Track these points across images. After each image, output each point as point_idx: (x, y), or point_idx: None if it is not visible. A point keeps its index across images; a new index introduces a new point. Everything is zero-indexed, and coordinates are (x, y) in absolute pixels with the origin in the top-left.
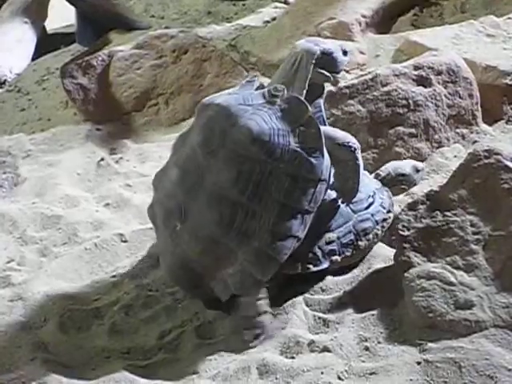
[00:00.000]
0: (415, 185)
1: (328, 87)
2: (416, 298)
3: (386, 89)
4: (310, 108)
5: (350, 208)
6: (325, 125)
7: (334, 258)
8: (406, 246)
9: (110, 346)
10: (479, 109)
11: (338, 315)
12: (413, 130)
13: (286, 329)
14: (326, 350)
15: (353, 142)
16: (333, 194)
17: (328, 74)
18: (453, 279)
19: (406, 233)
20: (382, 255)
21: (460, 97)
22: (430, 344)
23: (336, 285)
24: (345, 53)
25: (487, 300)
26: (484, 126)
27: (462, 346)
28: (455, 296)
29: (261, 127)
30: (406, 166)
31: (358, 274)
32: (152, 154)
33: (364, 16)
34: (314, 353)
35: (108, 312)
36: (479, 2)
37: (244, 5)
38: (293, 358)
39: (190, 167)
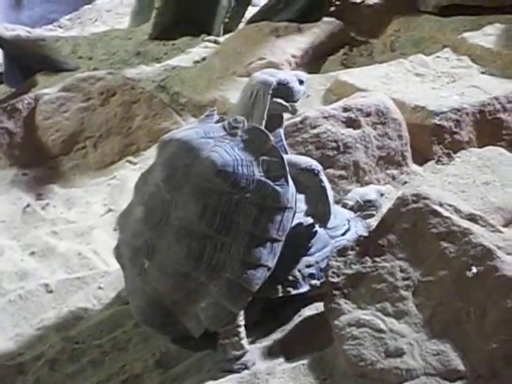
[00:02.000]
0: (380, 208)
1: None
2: (346, 346)
3: (315, 131)
4: (271, 137)
5: (328, 234)
6: (286, 153)
7: (314, 281)
8: (336, 292)
9: None
10: (409, 149)
11: (268, 365)
12: (343, 172)
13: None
14: None
15: (315, 165)
16: (309, 220)
17: (285, 103)
18: (383, 326)
19: (336, 279)
20: (313, 303)
21: (389, 138)
22: None
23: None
24: (301, 82)
25: (418, 347)
26: (414, 167)
27: None
28: (386, 344)
29: (224, 159)
30: (371, 192)
31: (289, 322)
32: (79, 199)
33: (294, 56)
34: None
35: (32, 367)
36: (408, 41)
37: (174, 44)
38: None
39: (154, 204)
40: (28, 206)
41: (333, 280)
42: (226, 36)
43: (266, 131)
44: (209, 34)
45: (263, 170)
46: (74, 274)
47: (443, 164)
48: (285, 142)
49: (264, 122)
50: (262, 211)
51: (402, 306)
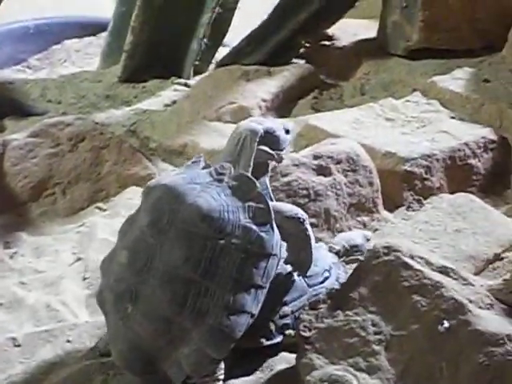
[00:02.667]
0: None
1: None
2: None
3: (286, 179)
4: (258, 184)
5: (306, 282)
6: (272, 201)
7: (288, 331)
8: (308, 347)
9: None
10: (380, 196)
11: None
12: (314, 220)
13: None
14: None
15: (301, 213)
16: (288, 268)
17: (272, 151)
18: (355, 382)
19: (308, 333)
20: (286, 356)
21: (360, 185)
22: None
23: None
24: (287, 131)
25: None
26: (385, 213)
27: None
28: None
29: (210, 204)
30: (357, 236)
31: (261, 376)
32: (48, 247)
33: (264, 100)
34: None
35: None
36: (378, 84)
37: (144, 87)
38: None
39: (139, 248)
40: None
41: (304, 334)
42: (197, 78)
43: (253, 178)
44: (179, 77)
45: (249, 216)
46: (42, 327)
47: (414, 210)
48: (270, 190)
49: (250, 170)
50: (247, 257)
51: (374, 360)
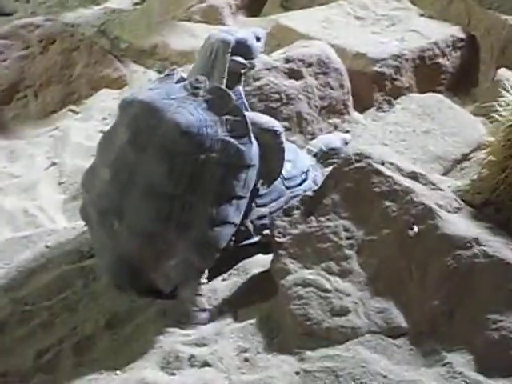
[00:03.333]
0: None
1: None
2: (293, 306)
3: (258, 83)
4: (233, 96)
5: (284, 184)
6: (247, 110)
7: (265, 232)
8: (282, 252)
9: None
10: (350, 98)
11: (216, 326)
12: (286, 124)
13: (165, 342)
14: (206, 364)
15: (277, 125)
16: None
17: (244, 61)
18: (328, 286)
19: (282, 239)
20: (261, 260)
21: (331, 88)
22: (308, 352)
23: (215, 292)
24: (258, 39)
25: (362, 306)
26: (355, 115)
27: (339, 353)
28: (331, 303)
29: (188, 120)
30: (335, 139)
31: (237, 280)
32: (22, 152)
33: None
34: (194, 368)
35: None
36: None
37: None
38: (173, 374)
39: (120, 165)
40: None
41: (279, 240)
42: None
43: (228, 91)
44: None
45: (227, 129)
46: (21, 233)
47: (384, 111)
48: (245, 99)
49: (225, 81)
50: (227, 170)
51: (346, 264)
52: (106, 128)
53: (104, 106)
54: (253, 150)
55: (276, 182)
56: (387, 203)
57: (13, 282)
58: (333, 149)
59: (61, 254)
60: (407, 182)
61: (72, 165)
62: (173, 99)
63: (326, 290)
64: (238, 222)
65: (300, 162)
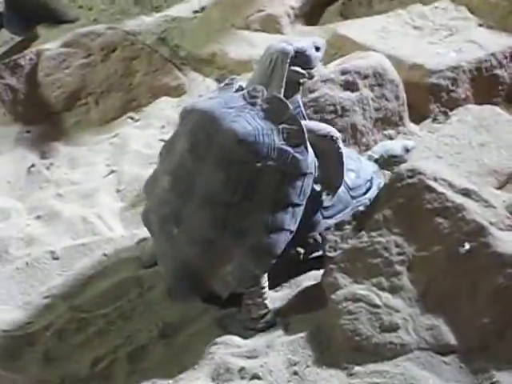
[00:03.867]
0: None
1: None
2: (343, 320)
3: (313, 95)
4: (290, 106)
5: (350, 194)
6: (304, 119)
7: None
8: (333, 267)
9: (43, 376)
10: (405, 109)
11: (267, 338)
12: (341, 135)
13: (216, 353)
14: (255, 377)
15: (333, 131)
16: (316, 188)
17: (303, 71)
18: (378, 301)
19: (333, 254)
20: (313, 273)
21: (386, 99)
22: (356, 367)
23: None
24: (317, 49)
25: (412, 322)
26: (411, 126)
27: (388, 369)
28: (381, 319)
29: (245, 129)
30: (397, 146)
31: (288, 292)
32: (82, 159)
33: (292, 7)
34: (244, 380)
35: (41, 338)
36: None
37: None
38: None
39: (180, 173)
40: (33, 165)
41: (330, 254)
42: None
43: (285, 100)
44: None
45: (283, 138)
46: (79, 240)
47: (440, 122)
48: (303, 108)
49: (282, 90)
50: (284, 178)
51: (396, 280)
52: (165, 136)
53: (163, 114)
54: (309, 159)
55: (341, 193)
56: (439, 220)
57: (71, 289)
58: (394, 155)
59: (117, 263)
60: (459, 199)
61: (130, 173)
62: (231, 108)
63: (376, 306)
64: (293, 229)
65: (363, 171)
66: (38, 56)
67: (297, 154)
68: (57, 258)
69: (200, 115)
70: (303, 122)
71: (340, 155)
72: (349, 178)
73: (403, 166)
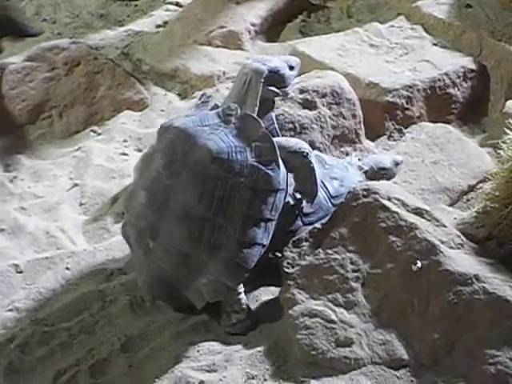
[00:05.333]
0: (393, 177)
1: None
2: (299, 335)
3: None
4: (262, 124)
5: (331, 202)
6: (278, 135)
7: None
8: (291, 283)
9: None
10: (362, 127)
11: (226, 353)
12: None
13: (177, 366)
14: None
15: (304, 147)
16: (297, 195)
17: (277, 90)
18: (334, 317)
19: (291, 270)
20: (271, 288)
21: (344, 117)
22: (312, 381)
23: None
24: (291, 68)
25: (365, 337)
26: (367, 143)
27: (342, 383)
28: (336, 334)
29: (219, 146)
30: (386, 160)
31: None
32: (46, 172)
33: (253, 24)
34: None
35: (4, 351)
36: (364, 7)
37: (136, 5)
38: None
39: (156, 189)
40: None
41: (288, 270)
42: None
43: (258, 119)
44: None
45: (256, 155)
46: (43, 254)
47: (395, 140)
48: (276, 125)
49: (256, 109)
50: (256, 194)
51: (351, 296)
52: (127, 150)
53: (125, 128)
54: (280, 175)
55: (323, 200)
56: (392, 238)
57: (34, 302)
58: (383, 168)
59: (80, 276)
60: (412, 218)
61: (93, 186)
62: (206, 126)
63: (332, 321)
64: (266, 242)
65: (348, 179)
66: (2, 69)
67: (269, 171)
68: (20, 272)
69: (176, 132)
70: (275, 139)
71: (312, 169)
72: (332, 186)
73: (359, 186)
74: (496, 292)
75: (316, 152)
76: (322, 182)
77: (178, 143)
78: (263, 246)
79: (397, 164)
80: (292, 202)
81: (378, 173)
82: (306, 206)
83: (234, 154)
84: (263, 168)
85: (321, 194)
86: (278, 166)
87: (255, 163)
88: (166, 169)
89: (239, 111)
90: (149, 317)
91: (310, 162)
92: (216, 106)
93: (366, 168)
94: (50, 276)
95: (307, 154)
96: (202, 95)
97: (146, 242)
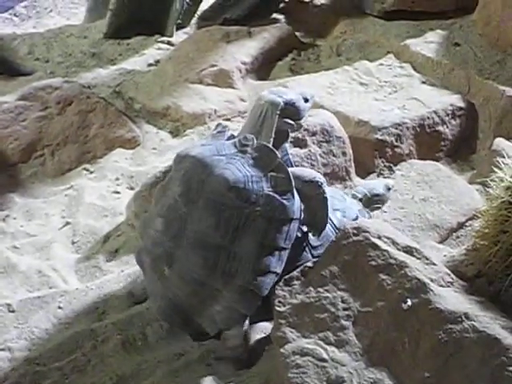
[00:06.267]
0: (386, 202)
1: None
2: (291, 374)
3: None
4: (278, 154)
5: (336, 233)
6: (292, 166)
7: None
8: (282, 321)
9: None
10: (352, 165)
11: None
12: None
13: None
14: None
15: (318, 177)
16: (304, 228)
17: (292, 122)
18: (325, 355)
19: (282, 308)
20: (262, 326)
21: (334, 155)
22: None
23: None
24: (306, 100)
25: (356, 375)
26: (357, 180)
27: None
28: (327, 372)
29: (235, 175)
30: (379, 185)
31: None
32: (38, 211)
33: (244, 63)
34: None
35: None
36: (353, 45)
37: (128, 44)
38: None
39: (172, 216)
40: None
41: (279, 309)
42: (179, 33)
43: (274, 149)
44: (162, 35)
45: (271, 185)
46: (35, 293)
47: (384, 177)
48: (290, 156)
49: (272, 140)
50: (271, 223)
51: (342, 335)
52: (119, 188)
53: (117, 166)
54: (295, 205)
55: (329, 232)
56: (382, 276)
57: (26, 341)
58: (377, 194)
59: (72, 315)
60: (402, 257)
61: (85, 225)
62: (222, 155)
63: (323, 360)
64: (279, 271)
65: (349, 209)
66: None
67: (284, 201)
68: (13, 311)
69: (193, 161)
70: (290, 169)
71: (325, 199)
72: (335, 217)
73: (349, 224)
74: (486, 330)
75: None
76: None
77: (195, 172)
78: (277, 274)
79: (389, 189)
80: (299, 235)
81: (372, 199)
82: (313, 239)
83: (250, 184)
84: (279, 198)
85: (327, 226)
86: (293, 195)
87: (271, 193)
88: (182, 197)
89: (255, 142)
90: (141, 356)
91: (324, 192)
92: (232, 136)
93: (360, 196)
94: (43, 315)
95: (321, 183)
96: (218, 125)
97: (162, 268)
